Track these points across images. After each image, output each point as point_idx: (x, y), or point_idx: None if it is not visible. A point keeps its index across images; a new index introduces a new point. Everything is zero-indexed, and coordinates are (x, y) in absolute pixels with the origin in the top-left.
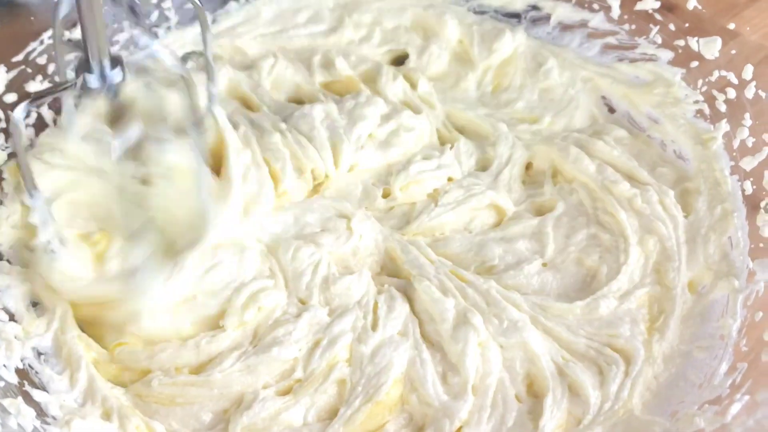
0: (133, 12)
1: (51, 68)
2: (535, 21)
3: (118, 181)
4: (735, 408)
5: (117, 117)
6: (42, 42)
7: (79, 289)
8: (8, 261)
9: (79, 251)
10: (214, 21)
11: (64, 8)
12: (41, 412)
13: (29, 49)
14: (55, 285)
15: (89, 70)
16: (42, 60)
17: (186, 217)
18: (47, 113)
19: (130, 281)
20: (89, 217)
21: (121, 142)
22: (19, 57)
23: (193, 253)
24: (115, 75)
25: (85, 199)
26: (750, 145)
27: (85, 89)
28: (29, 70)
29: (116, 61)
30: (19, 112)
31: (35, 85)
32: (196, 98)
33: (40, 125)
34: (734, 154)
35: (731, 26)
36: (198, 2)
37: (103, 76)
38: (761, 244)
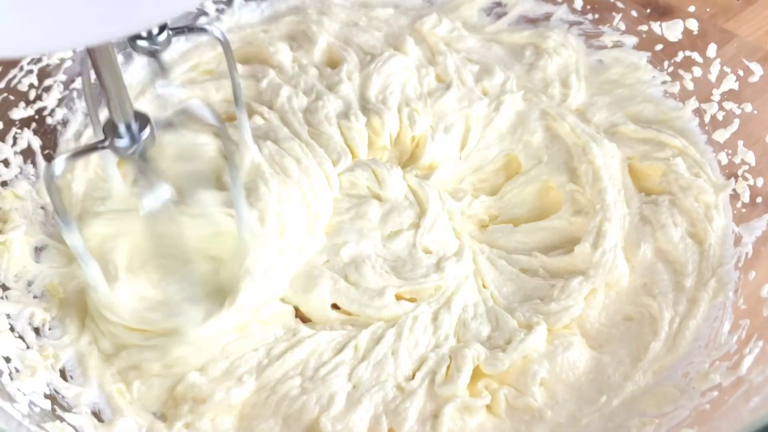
0: (160, 64)
1: (32, 94)
2: (500, 17)
3: (153, 226)
4: (748, 360)
5: (146, 171)
6: (22, 69)
7: (124, 321)
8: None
9: (121, 286)
10: None
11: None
12: None
13: (10, 75)
14: (102, 312)
15: (117, 134)
16: (23, 87)
17: (229, 255)
18: (33, 139)
19: (171, 320)
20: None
21: (152, 198)
22: (1, 85)
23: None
24: (144, 134)
25: (128, 246)
26: (720, 118)
27: (116, 150)
28: (12, 98)
29: (145, 120)
30: (56, 168)
31: (19, 112)
32: (232, 147)
33: (27, 153)
34: (706, 128)
35: (728, 28)
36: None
37: (132, 137)
38: (743, 210)
